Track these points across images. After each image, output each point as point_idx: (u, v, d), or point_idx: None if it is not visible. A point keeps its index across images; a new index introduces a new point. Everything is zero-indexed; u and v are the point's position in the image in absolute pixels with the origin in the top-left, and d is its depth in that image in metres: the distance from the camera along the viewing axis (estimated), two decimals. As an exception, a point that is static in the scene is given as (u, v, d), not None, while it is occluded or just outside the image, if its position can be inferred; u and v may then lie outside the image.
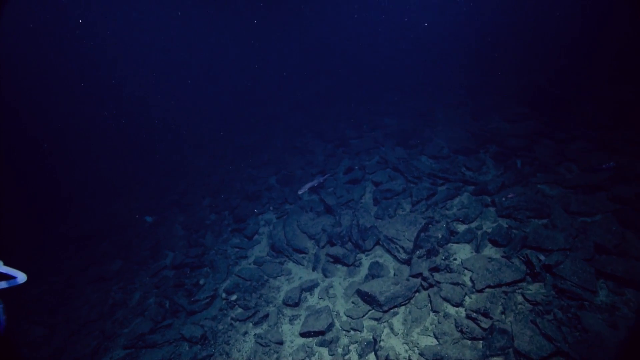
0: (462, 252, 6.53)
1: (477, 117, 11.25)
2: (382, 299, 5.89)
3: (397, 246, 6.72)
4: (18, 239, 10.91)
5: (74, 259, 9.68)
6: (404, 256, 6.60)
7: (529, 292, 5.21)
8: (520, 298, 5.14)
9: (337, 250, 7.19)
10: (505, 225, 6.66)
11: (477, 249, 6.43)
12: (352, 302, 6.32)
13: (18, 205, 12.92)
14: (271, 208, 9.88)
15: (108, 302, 7.76)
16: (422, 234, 6.92)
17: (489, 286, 5.49)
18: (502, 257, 6.01)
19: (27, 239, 11.06)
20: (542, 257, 5.51)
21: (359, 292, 6.28)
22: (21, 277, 2.74)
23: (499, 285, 5.43)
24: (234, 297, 7.22)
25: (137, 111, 21.04)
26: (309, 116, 16.05)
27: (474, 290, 5.63)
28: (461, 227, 7.05)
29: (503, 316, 5.00)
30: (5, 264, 2.78)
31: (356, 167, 10.15)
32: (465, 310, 5.36)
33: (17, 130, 17.36)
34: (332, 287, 6.75)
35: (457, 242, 6.75)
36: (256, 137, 15.33)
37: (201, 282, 7.82)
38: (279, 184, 10.97)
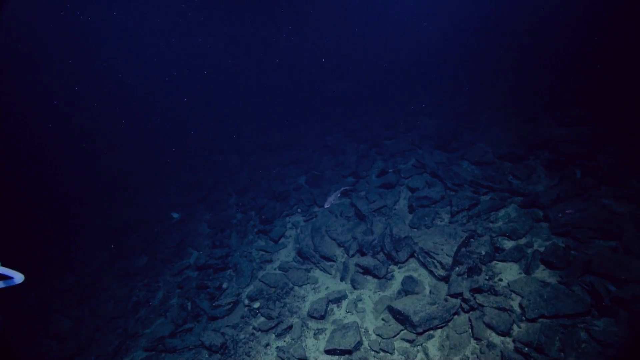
0: (508, 272, 5.92)
1: (526, 119, 10.38)
2: (416, 319, 5.44)
3: (435, 261, 6.30)
4: (49, 233, 11.38)
5: (103, 252, 9.93)
6: (441, 272, 6.16)
7: (596, 328, 4.51)
8: (584, 335, 4.47)
9: (367, 261, 6.87)
10: (562, 245, 5.94)
11: (527, 270, 5.79)
12: (383, 319, 5.93)
13: (50, 200, 13.54)
14: (299, 210, 9.67)
15: (132, 299, 7.84)
16: (463, 249, 6.44)
17: (543, 316, 4.85)
18: (559, 282, 5.33)
19: (60, 232, 11.51)
20: (612, 288, 4.79)
21: (391, 309, 5.91)
22: (18, 277, 2.75)
23: (556, 317, 4.77)
24: (256, 305, 7.01)
25: (167, 108, 21.63)
26: (341, 114, 15.75)
27: (523, 318, 5.02)
28: (508, 244, 6.43)
29: (562, 354, 4.37)
30: (11, 262, 2.80)
31: (390, 170, 9.78)
32: (514, 342, 4.78)
33: (46, 128, 18.28)
34: (361, 300, 6.42)
35: (503, 261, 6.16)
36: (285, 134, 15.23)
37: (224, 285, 7.71)
38: (307, 185, 10.75)
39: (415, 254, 6.76)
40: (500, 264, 6.10)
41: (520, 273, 5.84)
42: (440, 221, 7.48)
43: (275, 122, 17.17)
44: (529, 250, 6.15)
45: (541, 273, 5.69)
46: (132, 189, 13.85)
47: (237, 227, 9.69)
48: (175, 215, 10.75)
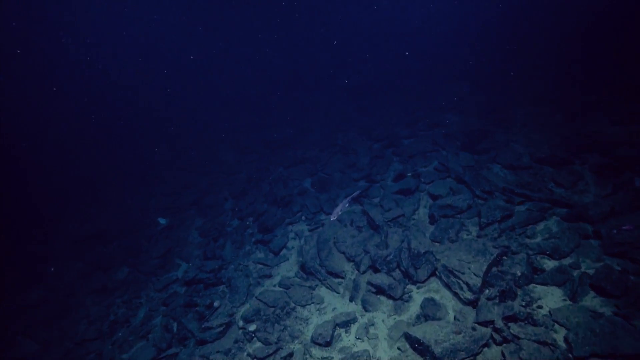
0: (550, 298, 5.67)
1: (570, 116, 10.12)
2: (438, 350, 5.23)
3: (460, 281, 6.18)
4: (14, 239, 11.42)
5: (79, 262, 9.91)
6: (468, 295, 6.01)
7: (661, 373, 4.24)
8: (647, 381, 4.20)
9: (381, 279, 6.81)
10: (618, 268, 5.65)
11: (573, 297, 5.52)
12: (398, 349, 5.76)
13: (16, 201, 13.62)
14: (303, 218, 9.68)
15: (109, 317, 7.79)
16: (494, 268, 6.32)
17: (595, 354, 4.57)
18: (615, 314, 5.04)
19: (27, 238, 11.59)
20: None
21: (408, 337, 5.72)
22: None
23: (613, 357, 4.49)
24: (252, 327, 6.88)
25: (158, 101, 21.97)
26: (353, 109, 15.76)
27: (570, 356, 4.75)
28: (549, 264, 6.22)
29: (617, 403, 4.09)
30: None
31: (409, 174, 9.72)
32: (558, 384, 4.51)
33: (22, 129, 18.64)
34: (373, 324, 6.32)
35: (542, 284, 5.92)
36: (290, 130, 15.28)
37: (216, 303, 7.61)
38: (314, 189, 10.76)
39: (437, 273, 6.65)
40: (539, 288, 5.87)
41: (564, 300, 5.58)
42: (467, 234, 7.37)
43: (278, 117, 17.23)
44: (575, 273, 5.90)
45: (591, 301, 5.41)
46: (115, 190, 13.95)
47: (233, 236, 9.66)
48: (163, 221, 10.79)
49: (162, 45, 28.09)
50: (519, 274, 6.04)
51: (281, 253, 8.73)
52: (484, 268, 6.09)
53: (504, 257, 6.45)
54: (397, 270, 6.95)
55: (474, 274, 6.07)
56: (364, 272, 7.24)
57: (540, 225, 6.98)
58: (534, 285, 5.94)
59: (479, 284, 5.92)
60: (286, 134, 15.01)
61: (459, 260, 6.39)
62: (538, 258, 6.32)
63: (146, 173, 14.74)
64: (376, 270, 7.11)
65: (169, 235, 10.24)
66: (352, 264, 7.63)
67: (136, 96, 23.08)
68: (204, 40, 28.73)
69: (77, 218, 12.19)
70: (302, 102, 17.95)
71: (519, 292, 5.84)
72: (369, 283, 6.89)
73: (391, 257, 7.11)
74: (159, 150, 16.53)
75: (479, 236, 7.15)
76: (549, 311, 5.40)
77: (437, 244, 7.25)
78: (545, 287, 5.85)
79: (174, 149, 16.61)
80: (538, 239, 6.71)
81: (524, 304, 5.63)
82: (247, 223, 10.10)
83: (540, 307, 5.56)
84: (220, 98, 22.28)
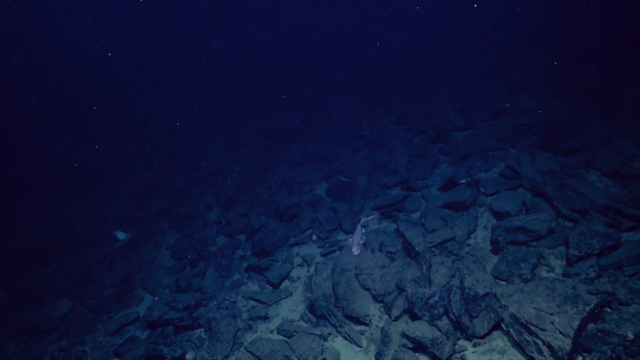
0: (679, 376, 5.27)
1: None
2: None
3: (539, 341, 5.90)
4: None
5: (2, 289, 9.84)
6: None
7: None
8: None
9: (421, 329, 6.60)
10: None
11: None
12: None
13: None
14: (314, 237, 9.64)
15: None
16: (591, 325, 6.00)
17: None
18: None
19: None
20: None
21: (461, 423, 5.57)
22: None
23: None
24: (238, 398, 6.87)
25: (117, 74, 22.82)
26: (384, 88, 15.61)
27: None
28: (680, 325, 5.81)
29: None
30: None
31: (462, 181, 9.70)
32: None
33: None
34: None
35: (670, 355, 5.53)
36: (300, 116, 15.21)
37: (189, 356, 7.50)
38: (330, 197, 10.73)
39: (503, 325, 6.49)
40: (664, 361, 5.49)
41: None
42: (548, 271, 7.15)
43: (285, 98, 17.34)
44: None
45: None
46: (57, 193, 13.93)
47: (217, 260, 9.63)
48: (122, 236, 10.77)
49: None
50: (631, 336, 5.65)
51: (282, 285, 8.72)
52: (576, 324, 5.78)
53: (607, 309, 6.16)
54: (445, 317, 6.83)
55: (560, 332, 5.76)
56: (397, 318, 7.18)
57: (663, 264, 6.60)
58: (656, 355, 5.55)
59: (569, 348, 5.63)
60: (294, 120, 14.98)
61: (536, 310, 6.15)
62: (661, 313, 5.94)
63: (101, 171, 14.76)
64: (414, 317, 7.01)
65: (129, 256, 10.18)
66: (380, 305, 7.57)
67: (84, 68, 24.17)
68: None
69: (4, 230, 12.19)
70: (317, 79, 17.98)
71: (632, 365, 5.44)
72: (403, 335, 6.71)
73: (436, 298, 6.96)
74: (119, 141, 16.71)
75: (566, 275, 6.90)
76: (678, 397, 5.03)
77: (502, 282, 7.16)
78: (674, 362, 5.45)
79: (140, 138, 16.76)
80: (660, 284, 6.35)
81: (638, 384, 5.26)
82: (238, 242, 10.11)
83: (664, 390, 5.17)
84: (208, 70, 22.68)
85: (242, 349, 7.36)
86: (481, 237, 8.19)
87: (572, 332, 5.72)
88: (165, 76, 23.87)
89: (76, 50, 26.51)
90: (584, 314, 5.88)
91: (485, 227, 8.35)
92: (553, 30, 16.01)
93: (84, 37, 28.62)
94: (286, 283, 8.69)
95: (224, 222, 10.79)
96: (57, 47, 27.00)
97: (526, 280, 6.89)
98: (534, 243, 7.64)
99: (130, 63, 25.46)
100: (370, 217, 8.15)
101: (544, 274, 7.05)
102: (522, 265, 7.19)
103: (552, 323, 5.90)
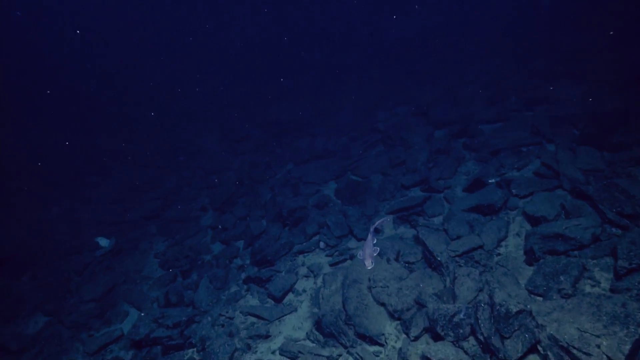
0: None
1: None
2: None
3: None
4: None
5: None
6: None
7: None
8: None
9: (444, 351, 6.48)
10: None
11: None
12: None
13: None
14: (322, 245, 9.62)
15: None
16: None
17: None
18: None
19: None
20: None
21: None
22: None
23: None
24: None
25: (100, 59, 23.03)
26: (401, 74, 15.61)
27: None
28: None
29: None
30: None
31: (491, 181, 9.76)
32: None
33: None
34: None
35: None
36: (306, 106, 15.15)
37: None
38: (340, 199, 10.72)
39: (540, 348, 6.25)
40: None
41: None
42: (593, 286, 7.00)
43: (289, 85, 17.25)
44: None
45: None
46: (31, 194, 14.04)
47: (212, 270, 9.60)
48: (104, 242, 10.80)
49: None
50: (693, 367, 5.44)
51: (285, 299, 8.74)
52: (627, 348, 5.57)
53: (663, 332, 5.93)
54: (471, 338, 6.73)
55: (608, 358, 5.59)
56: (417, 338, 7.09)
57: None
58: None
59: (619, 378, 5.38)
60: (300, 110, 15.00)
61: (579, 331, 6.03)
62: None
63: (82, 168, 14.84)
64: (436, 337, 6.92)
65: (112, 266, 10.20)
66: (397, 323, 7.54)
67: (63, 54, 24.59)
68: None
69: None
70: (326, 64, 17.97)
71: (694, 398, 5.32)
72: (424, 357, 6.55)
73: (462, 316, 6.86)
74: (101, 134, 16.77)
75: (614, 290, 6.71)
76: None
77: (539, 298, 7.08)
78: None
79: (125, 131, 16.87)
80: None
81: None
82: (235, 250, 10.08)
83: None
84: (203, 54, 22.76)
85: (241, 373, 7.25)
86: (513, 245, 8.10)
87: (622, 358, 5.52)
88: (154, 62, 23.99)
89: (52, 39, 26.83)
90: (637, 337, 5.68)
91: (518, 234, 8.28)
92: (600, 3, 15.73)
93: (67, 25, 29.03)
94: (290, 297, 8.65)
95: (219, 227, 10.78)
96: (30, 36, 27.32)
97: (567, 296, 6.80)
98: (576, 253, 7.47)
99: (121, 52, 25.66)
100: (380, 221, 7.93)
101: (588, 288, 6.92)
102: (562, 278, 7.08)
103: (599, 347, 5.72)
